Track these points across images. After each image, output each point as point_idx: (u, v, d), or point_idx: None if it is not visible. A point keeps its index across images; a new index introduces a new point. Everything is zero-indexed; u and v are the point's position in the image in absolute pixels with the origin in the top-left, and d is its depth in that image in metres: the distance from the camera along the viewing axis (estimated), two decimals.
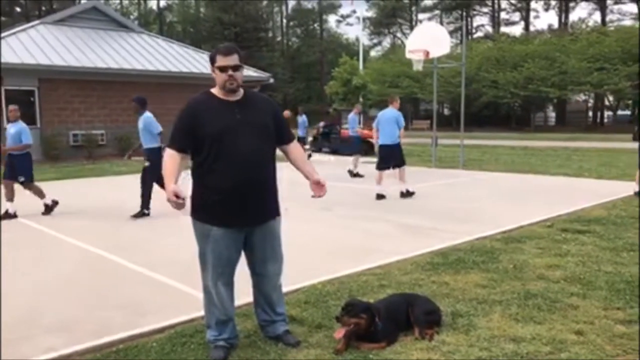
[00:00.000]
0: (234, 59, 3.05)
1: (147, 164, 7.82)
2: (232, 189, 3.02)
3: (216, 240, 3.08)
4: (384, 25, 64.74)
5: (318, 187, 3.26)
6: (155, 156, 7.48)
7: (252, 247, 3.20)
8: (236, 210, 3.05)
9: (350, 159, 13.15)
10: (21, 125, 7.93)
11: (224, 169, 3.00)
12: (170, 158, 3.06)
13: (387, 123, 9.32)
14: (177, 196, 2.89)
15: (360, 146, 13.76)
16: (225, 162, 3.00)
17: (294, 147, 3.35)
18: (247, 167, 3.04)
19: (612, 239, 5.96)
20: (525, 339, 3.30)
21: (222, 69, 3.04)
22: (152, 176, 7.66)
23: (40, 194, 8.13)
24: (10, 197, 7.85)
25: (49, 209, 8.11)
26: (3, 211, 7.76)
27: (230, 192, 3.02)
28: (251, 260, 3.27)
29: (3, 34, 17.90)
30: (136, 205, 7.77)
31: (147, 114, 7.84)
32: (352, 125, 14.17)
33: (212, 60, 3.10)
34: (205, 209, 3.07)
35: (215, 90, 3.15)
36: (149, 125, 7.73)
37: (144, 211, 7.78)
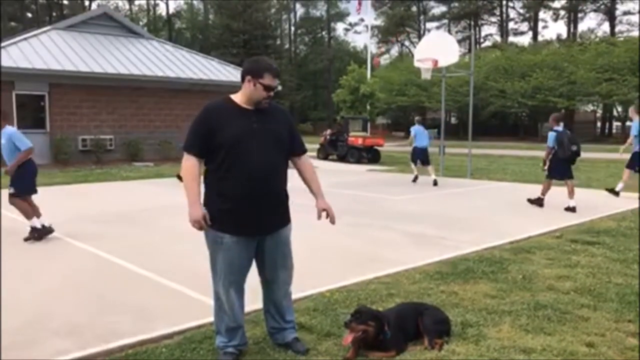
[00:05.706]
0: (278, 80, 3.13)
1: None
2: (246, 198, 3.02)
3: (228, 248, 3.08)
4: (392, 34, 64.89)
5: (325, 213, 3.31)
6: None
7: (263, 254, 3.21)
8: (249, 218, 3.05)
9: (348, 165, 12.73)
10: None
11: (238, 177, 2.99)
12: (192, 167, 3.05)
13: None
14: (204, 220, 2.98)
15: None
16: (239, 170, 3.00)
17: (305, 160, 3.35)
18: (261, 176, 3.04)
19: (622, 250, 5.93)
20: (535, 350, 3.28)
21: (267, 88, 3.06)
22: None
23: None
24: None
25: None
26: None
27: (244, 201, 3.01)
28: (262, 267, 3.27)
29: (15, 39, 18.10)
30: (145, 209, 7.79)
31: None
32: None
33: (253, 74, 3.06)
34: (218, 216, 3.06)
35: (236, 98, 3.15)
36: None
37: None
